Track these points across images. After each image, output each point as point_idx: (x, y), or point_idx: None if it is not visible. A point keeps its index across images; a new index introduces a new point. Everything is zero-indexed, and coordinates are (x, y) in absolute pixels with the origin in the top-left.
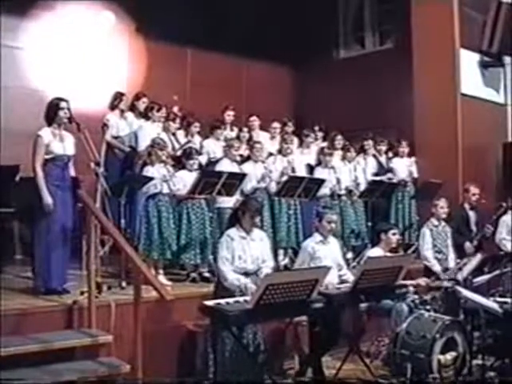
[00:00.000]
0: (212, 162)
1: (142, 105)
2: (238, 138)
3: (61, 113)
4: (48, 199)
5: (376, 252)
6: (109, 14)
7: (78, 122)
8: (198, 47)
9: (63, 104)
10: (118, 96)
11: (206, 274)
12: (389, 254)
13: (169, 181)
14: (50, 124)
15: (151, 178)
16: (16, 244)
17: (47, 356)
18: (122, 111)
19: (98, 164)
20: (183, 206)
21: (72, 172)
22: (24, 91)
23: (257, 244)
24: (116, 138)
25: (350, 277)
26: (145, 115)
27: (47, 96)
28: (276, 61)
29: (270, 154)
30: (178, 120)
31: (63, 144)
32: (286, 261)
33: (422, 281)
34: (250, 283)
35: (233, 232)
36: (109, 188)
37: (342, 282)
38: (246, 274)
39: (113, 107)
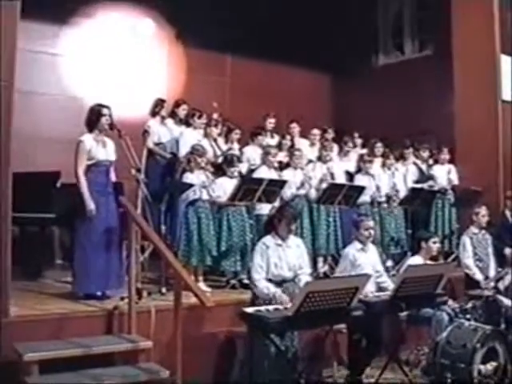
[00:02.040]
0: (252, 170)
1: (182, 111)
2: (279, 145)
3: (102, 119)
4: (91, 205)
5: (416, 260)
6: (149, 21)
7: (119, 128)
8: (238, 54)
9: (105, 110)
10: (159, 103)
11: (246, 281)
12: (429, 262)
13: (208, 187)
14: (91, 130)
15: (191, 185)
16: (56, 249)
17: (87, 361)
18: (163, 118)
19: (138, 170)
20: (223, 213)
21: (114, 177)
22: (65, 98)
23: (293, 251)
24: (157, 144)
25: (389, 284)
26: (185, 122)
27: (87, 103)
28: (316, 67)
29: (310, 161)
30: (219, 126)
31: (105, 149)
32: (326, 268)
33: None
34: (280, 292)
35: (268, 239)
36: (149, 194)
37: (382, 289)
38: (284, 281)
39: (154, 114)
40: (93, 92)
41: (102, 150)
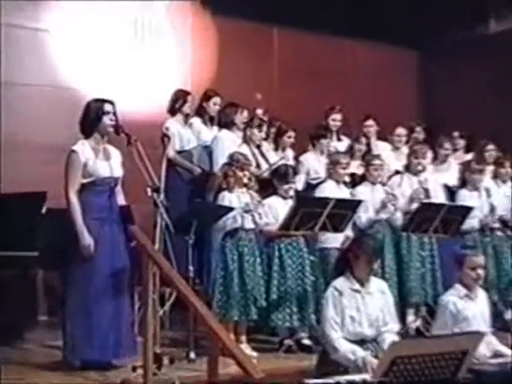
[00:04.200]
0: (312, 186)
1: (213, 107)
2: (350, 150)
3: (104, 119)
4: (87, 239)
5: None
6: None
7: (127, 131)
8: (288, 25)
9: (108, 107)
10: (181, 96)
11: (306, 342)
12: None
13: (254, 212)
14: (88, 135)
15: (229, 209)
16: (40, 300)
17: None
18: (187, 116)
19: (156, 190)
20: (274, 247)
21: (121, 200)
22: (50, 90)
23: (375, 300)
24: (180, 152)
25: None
26: (219, 121)
27: (84, 97)
28: (392, 41)
29: (397, 173)
30: (264, 127)
31: (108, 162)
32: (418, 323)
33: None
34: (370, 356)
35: (341, 283)
36: (172, 223)
37: (498, 353)
38: (363, 341)
39: (174, 111)
40: (91, 82)
41: (104, 163)
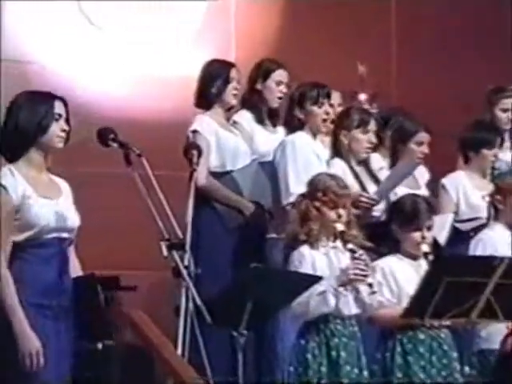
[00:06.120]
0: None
1: (275, 89)
2: None
3: (53, 129)
4: (33, 342)
5: None
6: None
7: (126, 142)
8: None
9: (58, 106)
10: (219, 72)
11: None
12: None
13: (357, 284)
14: (16, 157)
15: (314, 279)
16: None
17: None
18: (230, 110)
19: (178, 247)
20: (395, 346)
21: (76, 269)
22: None
23: None
24: (220, 176)
25: None
26: (290, 118)
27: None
28: None
29: None
30: (372, 125)
31: (56, 202)
32: None
33: None
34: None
35: None
36: (207, 306)
37: None
38: None
39: (207, 101)
40: (54, 52)
41: (49, 204)
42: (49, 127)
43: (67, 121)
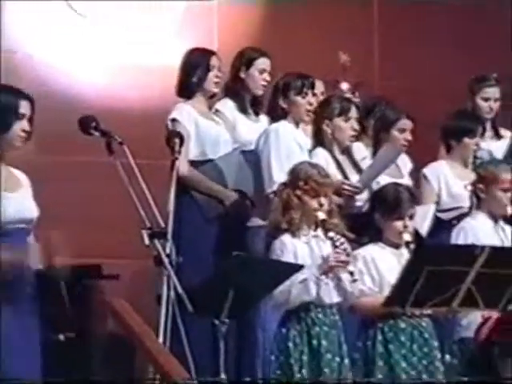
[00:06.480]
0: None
1: (258, 77)
2: None
3: (15, 128)
4: None
5: None
6: None
7: (107, 131)
8: None
9: (23, 105)
10: (200, 60)
11: None
12: None
13: (339, 273)
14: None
15: (295, 267)
16: None
17: None
18: (212, 97)
19: (159, 236)
20: (376, 335)
21: (35, 261)
22: None
23: None
24: (202, 164)
25: None
26: (273, 107)
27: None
28: None
29: None
30: (354, 113)
31: (16, 195)
32: None
33: None
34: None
35: None
36: (188, 295)
37: None
38: None
39: (188, 89)
40: (41, 41)
41: (8, 196)
42: (11, 126)
43: (30, 120)
